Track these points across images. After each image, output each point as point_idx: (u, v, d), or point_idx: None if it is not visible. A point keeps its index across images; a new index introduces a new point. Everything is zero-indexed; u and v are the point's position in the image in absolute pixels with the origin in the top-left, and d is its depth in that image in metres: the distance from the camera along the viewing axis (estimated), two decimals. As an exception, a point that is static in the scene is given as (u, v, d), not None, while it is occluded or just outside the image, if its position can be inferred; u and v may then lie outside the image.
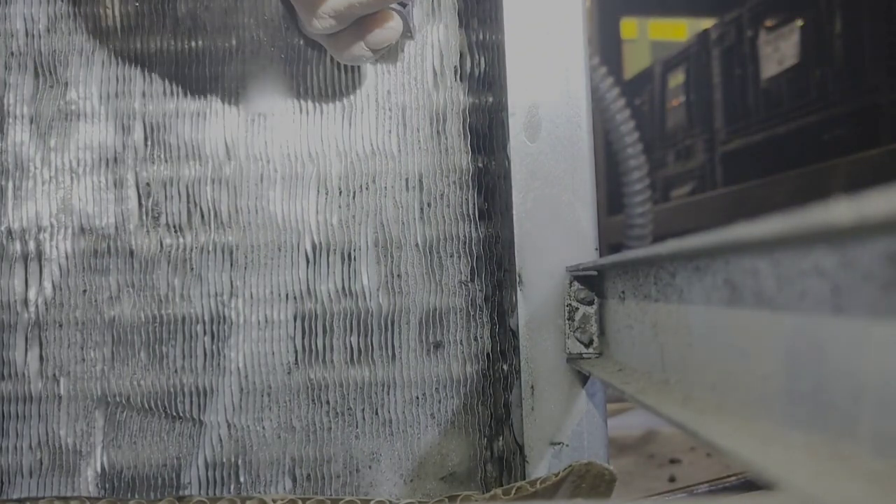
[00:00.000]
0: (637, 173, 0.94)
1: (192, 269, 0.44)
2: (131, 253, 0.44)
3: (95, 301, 0.44)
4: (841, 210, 0.15)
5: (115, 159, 0.44)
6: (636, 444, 0.90)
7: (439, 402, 0.44)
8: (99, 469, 0.43)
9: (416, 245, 0.44)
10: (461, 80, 0.45)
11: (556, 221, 0.43)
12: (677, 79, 1.99)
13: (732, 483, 0.59)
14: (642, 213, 0.95)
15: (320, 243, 0.44)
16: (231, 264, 0.44)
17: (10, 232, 0.43)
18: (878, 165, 1.10)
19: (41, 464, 0.43)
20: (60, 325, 0.43)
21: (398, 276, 0.44)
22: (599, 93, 0.90)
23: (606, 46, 2.29)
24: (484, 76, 0.45)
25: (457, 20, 0.45)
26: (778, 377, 0.22)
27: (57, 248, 0.43)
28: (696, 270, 0.27)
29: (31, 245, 0.43)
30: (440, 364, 0.44)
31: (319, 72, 0.45)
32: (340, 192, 0.44)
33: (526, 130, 0.43)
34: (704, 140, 1.85)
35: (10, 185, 0.44)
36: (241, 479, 0.43)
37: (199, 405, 0.43)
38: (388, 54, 0.45)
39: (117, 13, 0.45)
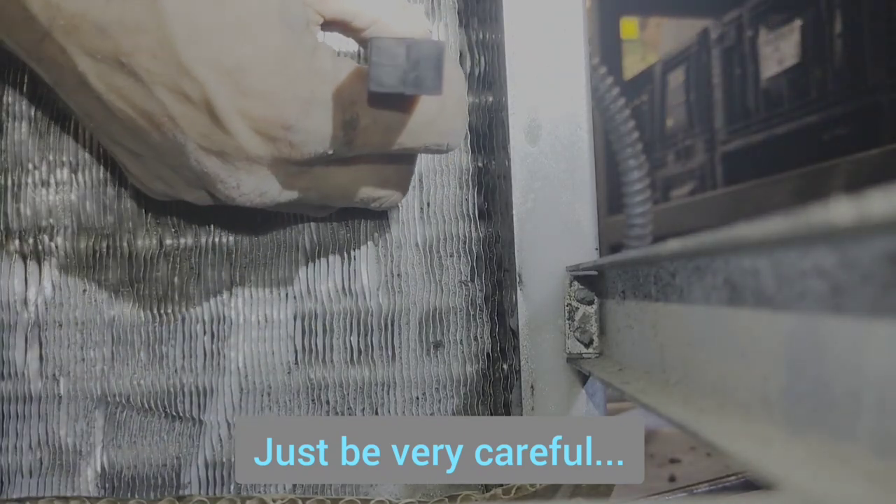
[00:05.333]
0: (637, 173, 0.94)
1: (191, 268, 0.44)
2: (131, 252, 0.44)
3: (95, 301, 0.44)
4: (841, 210, 0.15)
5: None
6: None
7: (439, 401, 0.44)
8: (99, 469, 0.43)
9: (416, 244, 0.44)
10: (461, 79, 0.45)
11: (556, 221, 0.43)
12: (677, 79, 1.99)
13: (732, 483, 0.59)
14: (642, 213, 0.95)
15: (320, 242, 0.44)
16: (231, 263, 0.44)
17: (9, 231, 0.43)
18: (878, 165, 1.10)
19: (41, 463, 0.43)
20: (60, 325, 0.43)
21: (398, 275, 0.44)
22: (599, 93, 0.90)
23: (606, 46, 2.29)
24: (484, 76, 0.45)
25: (457, 20, 0.45)
26: (778, 377, 0.22)
27: (56, 247, 0.43)
28: (696, 270, 0.27)
29: (31, 244, 0.43)
30: (440, 364, 0.44)
31: (319, 71, 0.45)
32: (340, 192, 0.43)
33: (526, 130, 0.43)
34: (704, 140, 1.85)
35: (10, 183, 0.44)
36: (241, 479, 0.43)
37: (199, 405, 0.43)
38: None
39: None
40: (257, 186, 0.35)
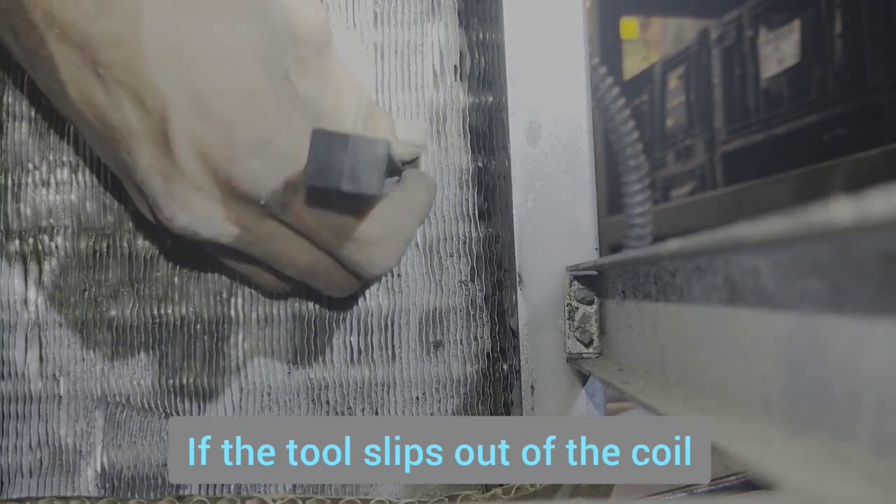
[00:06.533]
0: (637, 173, 0.94)
1: (191, 267, 0.44)
2: (131, 252, 0.44)
3: (95, 301, 0.44)
4: (841, 210, 0.15)
5: (115, 159, 0.43)
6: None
7: (439, 401, 0.44)
8: (99, 469, 0.43)
9: (416, 244, 0.44)
10: (461, 79, 0.45)
11: (556, 221, 0.43)
12: (677, 79, 1.99)
13: (732, 483, 0.59)
14: (642, 213, 0.95)
15: (320, 243, 0.44)
16: (231, 264, 0.44)
17: (9, 231, 0.43)
18: (878, 165, 1.10)
19: (41, 463, 0.43)
20: (60, 325, 0.43)
21: (398, 275, 0.44)
22: (599, 93, 0.90)
23: (606, 46, 2.30)
24: (484, 76, 0.45)
25: (457, 20, 0.45)
26: (778, 377, 0.22)
27: (56, 247, 0.43)
28: (696, 270, 0.27)
29: (31, 244, 0.43)
30: (440, 364, 0.44)
31: (319, 71, 0.45)
32: (340, 192, 0.43)
33: (526, 130, 0.43)
34: (704, 140, 1.85)
35: (10, 183, 0.44)
36: (241, 479, 0.43)
37: (199, 405, 0.43)
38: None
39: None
40: (190, 224, 0.35)
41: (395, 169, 0.37)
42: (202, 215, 0.34)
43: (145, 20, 0.32)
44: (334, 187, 0.30)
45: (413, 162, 0.43)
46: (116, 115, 0.33)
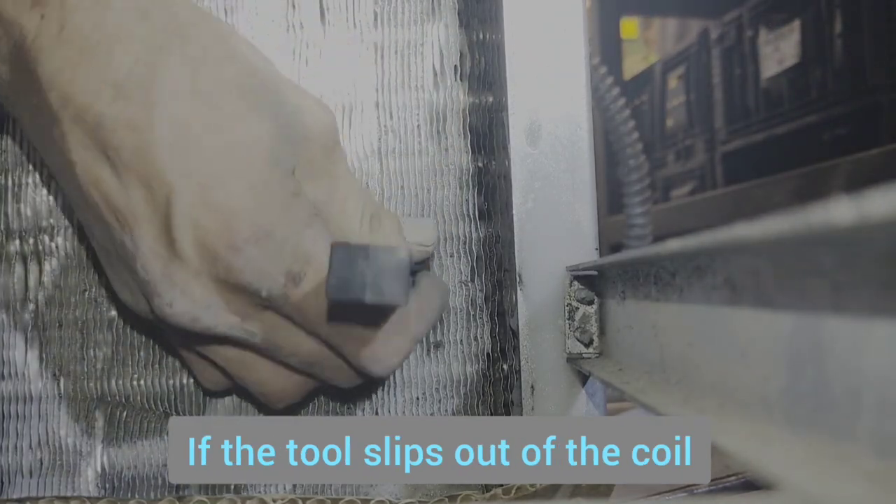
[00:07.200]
0: (637, 173, 0.94)
1: (191, 268, 0.44)
2: (131, 253, 0.44)
3: (95, 301, 0.44)
4: (841, 210, 0.15)
5: (115, 159, 0.43)
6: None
7: (439, 401, 0.44)
8: (99, 469, 0.43)
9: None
10: (461, 79, 0.45)
11: (556, 221, 0.43)
12: (677, 79, 1.99)
13: (732, 483, 0.59)
14: (642, 213, 0.95)
15: (320, 243, 0.44)
16: (231, 264, 0.44)
17: (9, 231, 0.43)
18: (878, 165, 1.10)
19: (41, 463, 0.43)
20: (60, 325, 0.43)
21: (398, 275, 0.44)
22: (599, 93, 0.90)
23: (606, 46, 2.29)
24: (484, 76, 0.45)
25: (457, 20, 0.45)
26: (778, 377, 0.22)
27: (56, 247, 0.43)
28: (696, 270, 0.27)
29: (31, 244, 0.43)
30: (440, 364, 0.44)
31: (318, 70, 0.45)
32: (340, 192, 0.43)
33: (526, 130, 0.43)
34: (704, 140, 1.85)
35: (10, 184, 0.44)
36: (241, 479, 0.43)
37: (199, 405, 0.43)
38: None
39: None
40: (190, 310, 0.34)
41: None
42: (202, 301, 0.34)
43: (159, 107, 0.33)
44: (357, 300, 0.30)
45: (423, 263, 0.42)
46: (122, 198, 0.34)
